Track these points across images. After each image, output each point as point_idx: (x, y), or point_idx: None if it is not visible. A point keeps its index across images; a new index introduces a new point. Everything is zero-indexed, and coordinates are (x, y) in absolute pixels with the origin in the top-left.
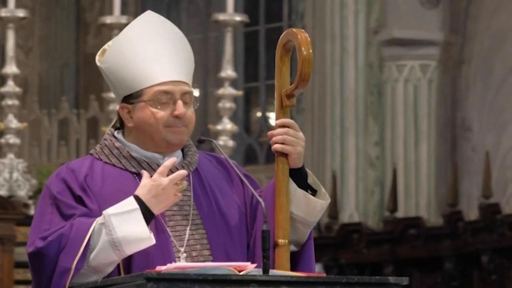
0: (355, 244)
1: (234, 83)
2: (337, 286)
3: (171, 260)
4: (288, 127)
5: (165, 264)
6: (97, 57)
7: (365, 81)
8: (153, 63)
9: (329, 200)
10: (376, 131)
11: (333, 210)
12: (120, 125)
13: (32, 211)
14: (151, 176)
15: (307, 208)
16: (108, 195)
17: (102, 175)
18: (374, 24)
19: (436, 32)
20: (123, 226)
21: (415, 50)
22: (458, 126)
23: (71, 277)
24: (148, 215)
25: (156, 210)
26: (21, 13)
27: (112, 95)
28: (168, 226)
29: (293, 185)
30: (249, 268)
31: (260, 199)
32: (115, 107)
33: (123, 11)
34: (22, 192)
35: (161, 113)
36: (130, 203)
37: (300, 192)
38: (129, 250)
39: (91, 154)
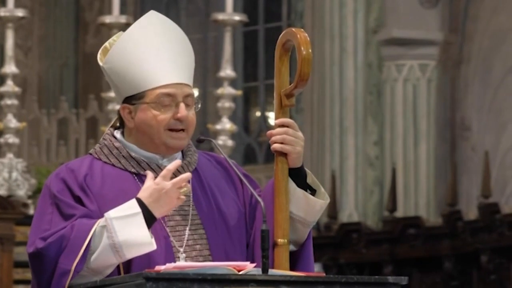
0: (354, 243)
1: (233, 83)
2: (336, 285)
3: (171, 260)
4: (287, 126)
5: (164, 265)
6: (98, 56)
7: (364, 81)
8: (156, 65)
9: (328, 200)
10: (375, 130)
11: (333, 209)
12: (120, 125)
13: (31, 211)
14: (154, 177)
15: (306, 208)
16: (107, 195)
17: (101, 175)
18: (373, 23)
19: (435, 32)
20: (125, 230)
21: (414, 50)
22: (458, 125)
23: (70, 279)
24: (150, 219)
25: (158, 214)
26: (20, 12)
27: (111, 94)
28: (167, 226)
29: (292, 185)
30: (248, 267)
31: (259, 199)
32: (114, 106)
33: (122, 11)
34: (22, 192)
35: (163, 116)
36: (132, 206)
37: (300, 191)
38: (130, 254)
39: (91, 154)
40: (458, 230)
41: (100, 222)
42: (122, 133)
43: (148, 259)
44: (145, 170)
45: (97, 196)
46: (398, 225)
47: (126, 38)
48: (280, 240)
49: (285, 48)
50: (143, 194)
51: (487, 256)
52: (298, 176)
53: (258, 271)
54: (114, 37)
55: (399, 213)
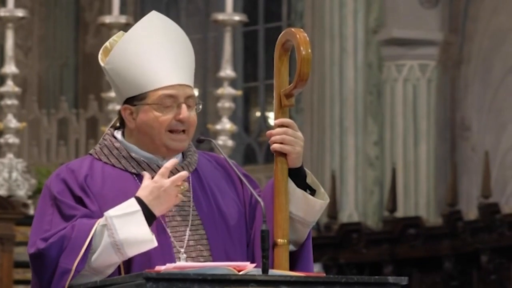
0: (355, 243)
1: (233, 83)
2: (336, 286)
3: (172, 261)
4: (287, 126)
5: (165, 265)
6: (99, 57)
7: (364, 81)
8: (158, 66)
9: (328, 200)
10: (375, 131)
11: (333, 210)
12: (120, 125)
13: (31, 211)
14: (152, 177)
15: (306, 208)
16: (108, 196)
17: (102, 176)
18: (373, 23)
19: (435, 32)
20: (125, 228)
21: (414, 50)
22: (457, 126)
23: (71, 278)
24: (149, 217)
25: (157, 212)
26: (20, 13)
27: (111, 95)
28: (168, 227)
29: (292, 185)
30: (249, 268)
31: (259, 199)
32: (114, 107)
33: (122, 11)
34: (22, 192)
35: (164, 117)
36: (132, 204)
37: (299, 191)
38: (131, 252)
39: (91, 154)
40: (458, 230)
41: (101, 221)
42: (122, 133)
43: (148, 259)
44: (145, 170)
45: (98, 197)
46: (398, 225)
47: (127, 38)
48: (279, 240)
49: (285, 48)
50: (142, 192)
51: (487, 256)
52: (297, 176)
53: (258, 271)
54: (114, 37)
55: (399, 213)
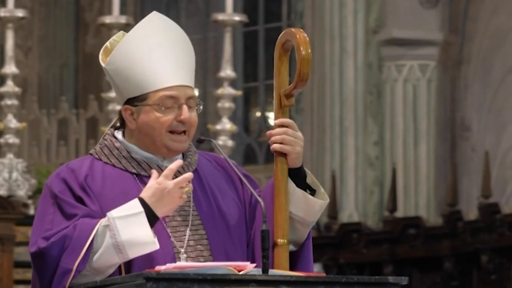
0: (355, 244)
1: (233, 83)
2: (336, 285)
3: (172, 261)
4: (287, 126)
5: (165, 265)
6: (100, 57)
7: (364, 81)
8: (159, 67)
9: (328, 200)
10: (376, 131)
11: (333, 210)
12: (121, 125)
13: (31, 211)
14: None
15: (306, 208)
16: (108, 196)
17: (102, 176)
18: (373, 23)
19: (435, 32)
20: (128, 230)
21: (414, 50)
22: (458, 126)
23: (71, 278)
24: (152, 218)
25: (160, 213)
26: (20, 13)
27: (111, 95)
28: (168, 227)
29: (292, 185)
30: (249, 267)
31: (259, 199)
32: (114, 107)
33: (122, 11)
34: (22, 192)
35: (165, 118)
36: (134, 205)
37: (299, 192)
38: (133, 254)
39: (91, 154)
40: (458, 230)
41: (103, 221)
42: (123, 134)
43: (149, 259)
44: (145, 171)
45: (98, 197)
46: (398, 225)
47: (128, 39)
48: (279, 240)
49: (285, 48)
50: (145, 193)
51: (487, 256)
52: (297, 176)
53: (258, 271)
54: (114, 37)
55: (399, 213)
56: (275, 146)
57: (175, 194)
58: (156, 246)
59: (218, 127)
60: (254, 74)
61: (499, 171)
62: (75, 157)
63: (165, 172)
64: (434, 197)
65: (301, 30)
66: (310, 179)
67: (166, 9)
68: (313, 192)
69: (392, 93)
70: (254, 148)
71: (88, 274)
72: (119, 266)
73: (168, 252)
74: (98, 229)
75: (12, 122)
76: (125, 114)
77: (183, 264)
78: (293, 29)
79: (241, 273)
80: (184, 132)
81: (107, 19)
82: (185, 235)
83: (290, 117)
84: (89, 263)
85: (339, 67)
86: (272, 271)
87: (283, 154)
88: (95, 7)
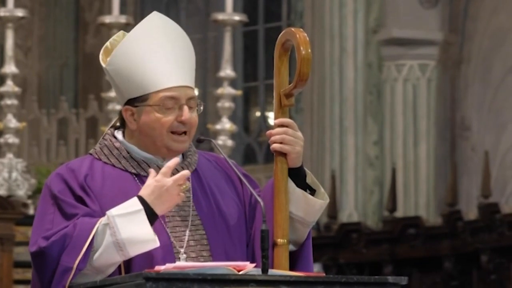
0: (354, 243)
1: (233, 83)
2: (336, 285)
3: (172, 261)
4: (287, 126)
5: (165, 265)
6: (100, 57)
7: (364, 81)
8: (160, 67)
9: (327, 200)
10: (375, 130)
11: (332, 209)
12: (121, 125)
13: (31, 211)
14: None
15: (306, 208)
16: (108, 196)
17: (102, 176)
18: (373, 23)
19: (435, 32)
20: (128, 228)
21: (414, 50)
22: (457, 125)
23: (72, 277)
24: (151, 216)
25: (159, 211)
26: (20, 12)
27: (111, 94)
28: (168, 227)
29: (292, 185)
30: (248, 267)
31: (259, 199)
32: (114, 106)
33: (122, 11)
34: (21, 192)
35: (166, 119)
36: (134, 204)
37: (299, 191)
38: (133, 252)
39: (91, 154)
40: (458, 230)
41: (103, 220)
42: (123, 134)
43: (148, 259)
44: (145, 171)
45: (98, 196)
46: (398, 225)
47: (129, 39)
48: (279, 240)
49: (285, 48)
50: (144, 191)
51: (487, 256)
52: (297, 176)
53: (258, 271)
54: (114, 37)
55: (399, 213)
56: (275, 146)
57: (174, 191)
58: (157, 243)
59: (218, 126)
60: (254, 74)
61: (499, 171)
62: (75, 157)
63: (163, 169)
64: (434, 197)
65: (301, 29)
66: (310, 179)
67: (166, 9)
68: (313, 192)
69: (392, 93)
70: (254, 148)
71: (89, 273)
72: (119, 266)
73: (168, 252)
74: (98, 227)
75: (12, 122)
76: (126, 115)
77: (183, 264)
78: (293, 29)
79: (240, 273)
80: (185, 132)
81: (107, 19)
82: (185, 235)
83: (290, 117)
84: (90, 262)
85: (339, 67)
86: (271, 271)
87: (283, 154)
88: (95, 7)
